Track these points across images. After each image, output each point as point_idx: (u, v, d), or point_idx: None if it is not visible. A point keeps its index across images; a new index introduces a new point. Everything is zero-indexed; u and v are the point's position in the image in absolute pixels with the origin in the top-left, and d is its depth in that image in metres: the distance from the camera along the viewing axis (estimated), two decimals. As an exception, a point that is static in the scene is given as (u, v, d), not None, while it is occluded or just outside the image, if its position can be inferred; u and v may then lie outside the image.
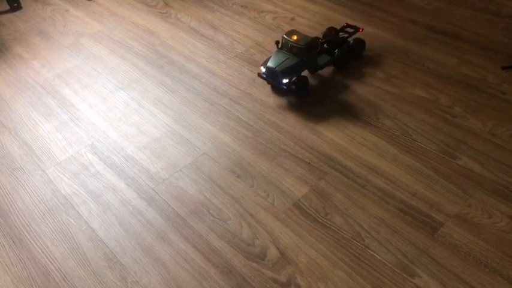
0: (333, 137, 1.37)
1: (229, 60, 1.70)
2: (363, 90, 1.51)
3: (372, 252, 1.09)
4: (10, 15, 2.08)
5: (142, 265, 1.11)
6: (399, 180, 1.24)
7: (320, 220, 1.17)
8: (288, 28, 1.81)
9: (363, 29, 1.64)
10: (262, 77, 1.50)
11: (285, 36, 1.44)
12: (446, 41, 1.68)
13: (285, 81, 1.44)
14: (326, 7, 1.92)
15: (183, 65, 1.70)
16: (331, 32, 1.59)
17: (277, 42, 1.48)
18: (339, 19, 1.84)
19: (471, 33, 1.71)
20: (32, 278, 1.11)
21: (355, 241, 1.11)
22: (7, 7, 2.11)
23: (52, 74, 1.72)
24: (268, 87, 1.56)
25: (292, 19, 1.87)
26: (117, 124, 1.49)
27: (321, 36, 1.59)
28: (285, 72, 1.43)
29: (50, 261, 1.14)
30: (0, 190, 1.33)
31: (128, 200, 1.26)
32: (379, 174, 1.26)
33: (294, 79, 1.45)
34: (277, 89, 1.53)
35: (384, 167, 1.27)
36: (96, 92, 1.62)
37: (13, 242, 1.19)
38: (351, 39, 1.60)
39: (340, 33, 1.62)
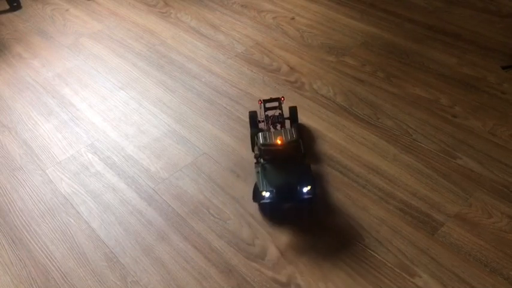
0: (333, 136, 1.37)
1: (229, 60, 1.70)
2: (363, 90, 1.51)
3: (372, 252, 1.09)
4: (10, 15, 2.08)
5: (142, 265, 1.11)
6: (399, 180, 1.23)
7: (320, 220, 1.16)
8: (288, 28, 1.82)
9: (283, 98, 1.32)
10: (266, 205, 1.19)
11: (266, 144, 1.13)
12: (447, 41, 1.68)
13: (306, 189, 1.12)
14: (326, 6, 1.92)
15: (183, 65, 1.70)
16: (265, 114, 1.31)
17: (257, 157, 1.17)
18: (339, 18, 1.84)
19: (471, 33, 1.71)
20: (32, 278, 1.11)
21: (355, 241, 1.11)
22: (7, 6, 2.11)
23: (52, 74, 1.72)
24: (269, 87, 1.56)
25: (292, 19, 1.87)
26: (117, 124, 1.49)
27: (268, 124, 1.28)
28: (304, 179, 1.13)
29: (49, 261, 1.14)
30: (0, 190, 1.33)
31: (128, 200, 1.26)
32: (379, 174, 1.25)
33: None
34: (280, 217, 1.19)
35: (384, 167, 1.27)
36: (96, 92, 1.62)
37: (13, 241, 1.19)
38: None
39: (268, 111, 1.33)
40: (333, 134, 1.38)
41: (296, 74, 1.60)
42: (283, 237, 1.14)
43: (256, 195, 1.15)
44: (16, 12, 2.09)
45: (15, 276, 1.12)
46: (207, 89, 1.58)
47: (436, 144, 1.32)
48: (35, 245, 1.18)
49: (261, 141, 1.14)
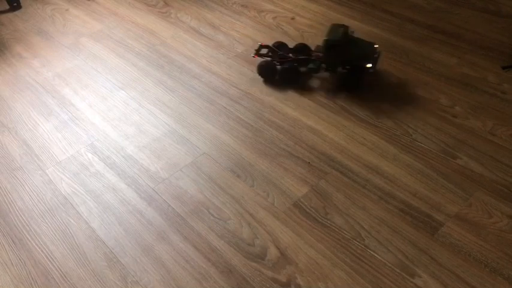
0: (333, 136, 1.37)
1: (229, 60, 1.69)
2: (362, 90, 1.51)
3: (372, 252, 1.09)
4: (10, 15, 2.08)
5: (142, 265, 1.11)
6: (399, 180, 1.23)
7: (320, 220, 1.16)
8: (288, 28, 1.82)
9: (262, 43, 1.72)
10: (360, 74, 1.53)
11: (341, 33, 1.48)
12: (447, 41, 1.68)
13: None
14: (326, 6, 1.92)
15: (183, 65, 1.70)
16: (271, 53, 1.64)
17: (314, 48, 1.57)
18: (339, 18, 1.84)
19: (471, 33, 1.71)
20: (32, 278, 1.11)
21: (355, 241, 1.11)
22: (7, 6, 2.11)
23: (52, 74, 1.72)
24: (270, 87, 1.56)
25: (292, 19, 1.87)
26: (117, 124, 1.49)
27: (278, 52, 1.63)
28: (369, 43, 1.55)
29: (49, 260, 1.14)
30: (0, 190, 1.33)
31: (128, 200, 1.26)
32: (379, 174, 1.25)
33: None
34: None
35: (384, 167, 1.27)
36: (96, 92, 1.62)
37: (13, 241, 1.19)
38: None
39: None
40: (333, 134, 1.38)
41: (296, 74, 1.60)
42: (283, 237, 1.14)
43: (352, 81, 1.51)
44: (16, 12, 2.09)
45: (15, 276, 1.12)
46: (207, 89, 1.58)
47: (436, 144, 1.32)
48: (35, 245, 1.18)
49: (337, 36, 1.47)
